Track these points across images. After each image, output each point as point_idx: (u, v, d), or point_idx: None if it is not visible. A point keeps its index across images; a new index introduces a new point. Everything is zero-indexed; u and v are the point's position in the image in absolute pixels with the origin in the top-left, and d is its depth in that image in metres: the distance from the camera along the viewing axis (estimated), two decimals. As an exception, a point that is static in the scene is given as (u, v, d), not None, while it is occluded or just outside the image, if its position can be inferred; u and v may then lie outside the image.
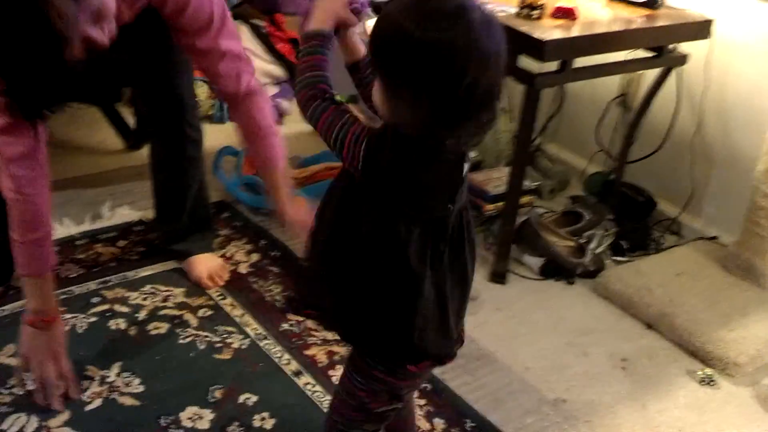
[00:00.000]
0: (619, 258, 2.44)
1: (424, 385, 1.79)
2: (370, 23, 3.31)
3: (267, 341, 1.93)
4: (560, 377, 1.95)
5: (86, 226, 2.31)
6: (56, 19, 1.28)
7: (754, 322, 2.12)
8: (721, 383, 1.98)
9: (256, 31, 3.27)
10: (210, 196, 2.21)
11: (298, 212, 1.76)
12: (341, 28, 1.26)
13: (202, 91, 3.02)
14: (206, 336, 1.92)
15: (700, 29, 2.29)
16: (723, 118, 2.45)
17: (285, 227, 1.79)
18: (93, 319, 1.94)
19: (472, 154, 2.69)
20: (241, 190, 2.50)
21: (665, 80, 2.40)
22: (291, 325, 1.99)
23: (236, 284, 2.13)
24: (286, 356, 1.88)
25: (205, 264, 2.12)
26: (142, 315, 1.97)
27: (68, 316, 1.92)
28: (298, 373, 1.84)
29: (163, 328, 1.94)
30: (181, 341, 1.90)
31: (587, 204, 2.61)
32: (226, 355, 1.87)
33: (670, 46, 2.31)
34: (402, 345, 1.22)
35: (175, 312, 2.00)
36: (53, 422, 1.63)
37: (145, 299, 2.03)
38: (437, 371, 1.79)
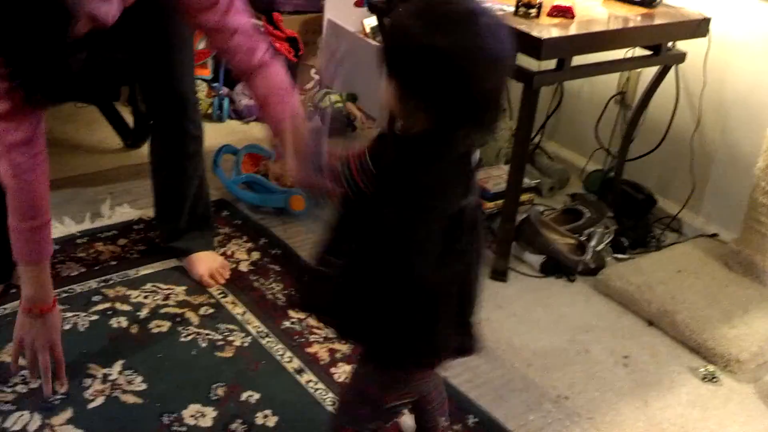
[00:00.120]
0: (619, 255, 2.44)
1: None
2: (368, 21, 3.30)
3: (268, 339, 1.93)
4: (562, 374, 1.95)
5: (86, 225, 2.30)
6: None
7: (756, 319, 2.12)
8: (724, 380, 1.99)
9: (254, 30, 3.27)
10: (210, 194, 2.21)
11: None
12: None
13: (201, 89, 3.02)
14: (208, 334, 1.92)
15: (698, 27, 2.29)
16: (722, 115, 2.46)
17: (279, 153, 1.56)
18: (94, 317, 1.94)
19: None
20: (240, 188, 2.50)
21: (663, 78, 2.41)
22: (292, 323, 1.99)
23: (237, 282, 2.13)
24: (288, 354, 1.88)
25: (206, 262, 2.12)
26: (143, 313, 1.97)
27: (69, 314, 1.92)
28: (300, 371, 1.83)
29: (165, 326, 1.93)
30: (182, 339, 1.90)
31: (587, 201, 2.61)
32: (227, 353, 1.87)
33: (668, 44, 2.32)
34: (426, 344, 1.23)
35: (177, 310, 1.99)
36: (56, 420, 1.63)
37: (146, 297, 2.02)
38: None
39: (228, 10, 1.68)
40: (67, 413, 1.65)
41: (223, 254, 2.23)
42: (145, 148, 2.65)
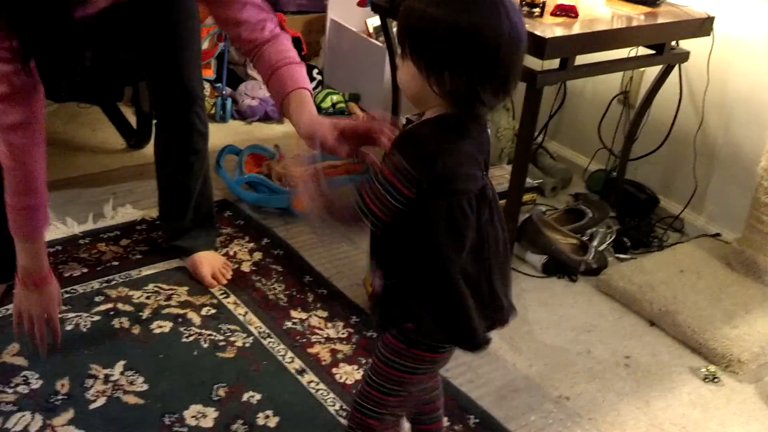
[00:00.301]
0: (621, 255, 2.44)
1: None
2: (371, 21, 3.30)
3: (270, 339, 1.93)
4: (563, 374, 1.95)
5: (89, 226, 2.31)
6: None
7: (758, 319, 2.12)
8: (725, 380, 1.98)
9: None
10: (213, 194, 2.22)
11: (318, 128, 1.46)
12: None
13: (204, 90, 3.02)
14: (210, 334, 1.92)
15: (701, 26, 2.29)
16: (725, 115, 2.45)
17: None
18: (96, 317, 1.94)
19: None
20: (243, 188, 2.51)
21: (667, 77, 2.40)
22: (294, 324, 1.99)
23: (239, 283, 2.13)
24: (290, 354, 1.88)
25: (209, 262, 2.12)
26: (145, 314, 1.97)
27: (72, 315, 1.93)
28: (301, 371, 1.84)
29: (167, 326, 1.94)
30: (184, 340, 1.90)
31: (590, 201, 2.61)
32: (229, 354, 1.87)
33: (672, 44, 2.31)
34: (458, 325, 1.25)
35: (179, 310, 2.00)
36: (57, 420, 1.63)
37: (148, 298, 2.03)
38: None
39: None
40: (69, 414, 1.65)
41: (226, 254, 2.24)
42: (147, 149, 2.67)
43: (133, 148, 2.79)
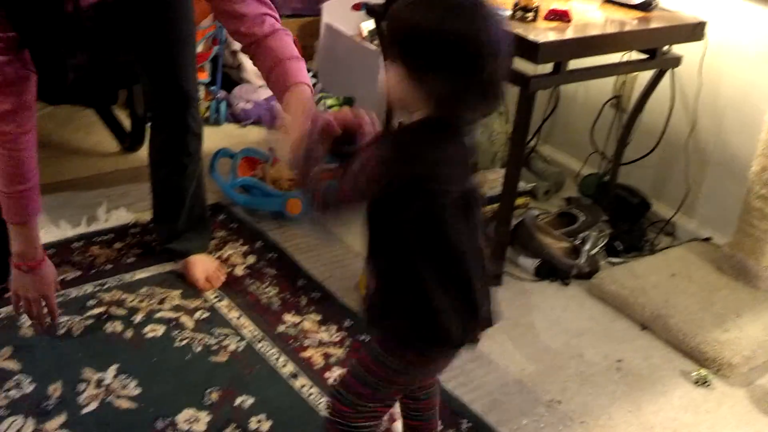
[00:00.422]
0: (613, 259, 2.45)
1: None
2: (366, 25, 3.29)
3: (263, 343, 1.93)
4: (555, 378, 1.96)
5: (82, 229, 2.31)
6: None
7: (749, 323, 2.13)
8: (716, 384, 1.99)
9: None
10: (207, 197, 2.22)
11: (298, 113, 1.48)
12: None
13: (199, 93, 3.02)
14: (202, 338, 1.93)
15: (694, 31, 2.30)
16: (717, 119, 2.47)
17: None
18: (89, 321, 1.94)
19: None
20: (237, 191, 2.51)
21: (659, 82, 2.41)
22: (287, 327, 2.00)
23: (232, 286, 2.13)
24: (283, 358, 1.89)
25: (202, 266, 2.12)
26: (138, 318, 1.97)
27: (65, 318, 1.93)
28: (294, 375, 1.84)
29: (160, 330, 1.94)
30: (177, 344, 1.90)
31: (582, 205, 2.62)
32: (222, 358, 1.87)
33: (664, 48, 2.32)
34: (430, 324, 1.26)
35: (172, 314, 2.00)
36: (50, 425, 1.63)
37: (141, 302, 2.03)
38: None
39: None
40: (61, 418, 1.65)
41: (219, 258, 2.24)
42: (141, 152, 2.67)
43: (127, 151, 2.79)
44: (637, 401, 1.91)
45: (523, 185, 2.54)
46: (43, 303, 1.82)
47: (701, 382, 1.98)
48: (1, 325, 1.87)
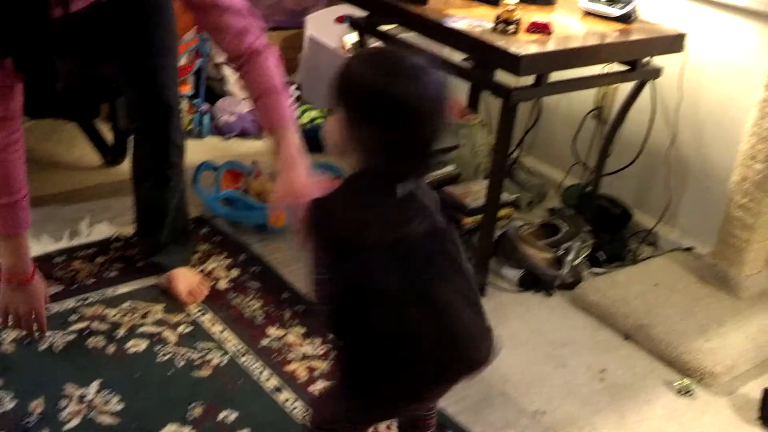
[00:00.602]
0: (596, 269, 2.46)
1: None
2: (349, 38, 3.31)
3: (247, 357, 1.93)
4: (539, 389, 1.96)
5: (64, 243, 2.29)
6: None
7: (731, 332, 2.15)
8: (699, 393, 2.00)
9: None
10: (189, 210, 2.21)
11: (292, 182, 1.63)
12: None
13: (181, 106, 3.02)
14: (185, 353, 1.92)
15: (674, 43, 2.32)
16: (697, 130, 2.49)
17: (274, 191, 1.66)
18: (71, 337, 1.93)
19: (450, 167, 2.74)
20: (220, 204, 2.50)
21: (640, 93, 2.43)
22: (271, 341, 1.99)
23: (216, 300, 2.13)
24: (266, 372, 1.88)
25: (185, 280, 2.12)
26: (120, 332, 1.96)
27: (47, 333, 1.91)
28: (278, 389, 1.83)
29: (142, 345, 1.93)
30: (160, 359, 1.89)
31: (565, 216, 2.63)
32: (205, 372, 1.86)
33: (644, 60, 2.34)
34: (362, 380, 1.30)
35: (154, 329, 1.99)
36: (31, 442, 1.62)
37: (123, 316, 2.02)
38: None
39: None
40: (43, 434, 1.64)
41: (202, 271, 2.23)
42: (123, 166, 2.67)
43: (110, 165, 2.78)
44: (621, 411, 1.92)
45: (506, 196, 2.55)
46: (33, 315, 1.81)
47: (684, 392, 1.99)
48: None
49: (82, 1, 1.59)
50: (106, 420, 1.69)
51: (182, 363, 1.88)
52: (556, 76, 2.20)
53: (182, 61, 3.03)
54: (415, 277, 1.24)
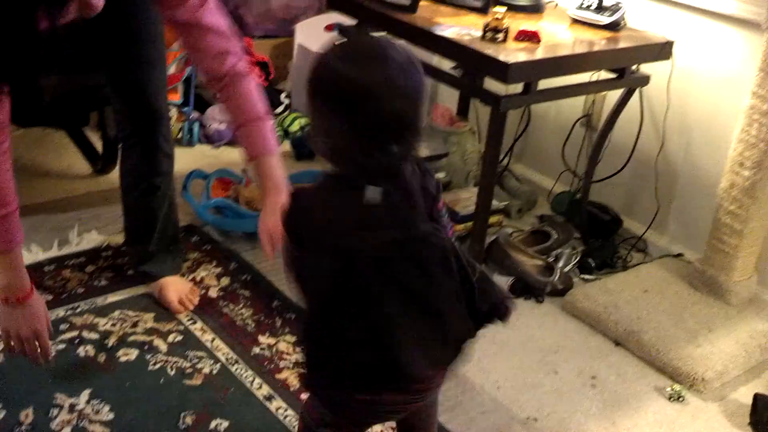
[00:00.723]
0: (586, 276, 2.47)
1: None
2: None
3: (238, 365, 1.92)
4: (531, 396, 1.96)
5: (54, 252, 2.28)
6: None
7: (720, 338, 2.15)
8: (690, 399, 2.01)
9: (224, 54, 3.28)
10: (179, 219, 2.21)
11: (272, 222, 1.60)
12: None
13: (171, 114, 3.02)
14: (176, 361, 1.91)
15: (661, 51, 2.34)
16: (685, 137, 2.50)
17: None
18: (61, 346, 1.92)
19: (441, 175, 2.75)
20: (210, 213, 2.50)
21: (628, 101, 2.44)
22: (262, 349, 1.99)
23: (206, 308, 2.12)
24: (258, 380, 1.88)
25: (175, 288, 2.11)
26: (111, 341, 1.95)
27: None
28: (269, 398, 1.83)
29: (133, 354, 1.92)
30: (151, 367, 1.88)
31: (555, 223, 2.64)
32: (196, 381, 1.86)
33: (632, 68, 2.36)
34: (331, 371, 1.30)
35: (145, 338, 1.98)
36: (21, 452, 1.61)
37: (114, 325, 2.01)
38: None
39: (201, 6, 1.68)
40: (33, 445, 1.63)
41: (193, 280, 2.23)
42: (113, 174, 2.66)
43: (99, 173, 2.78)
44: (612, 417, 1.93)
45: (496, 204, 2.56)
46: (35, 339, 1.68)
47: (675, 398, 2.00)
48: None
49: (70, 15, 1.58)
50: (97, 429, 1.69)
51: (173, 372, 1.88)
52: (545, 83, 2.21)
53: (171, 69, 3.03)
54: (359, 286, 1.22)
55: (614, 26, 2.34)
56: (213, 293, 2.19)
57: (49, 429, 1.67)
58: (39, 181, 2.67)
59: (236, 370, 1.91)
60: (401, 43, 1.22)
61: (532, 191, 2.87)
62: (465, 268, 1.30)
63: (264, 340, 2.02)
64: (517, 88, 2.17)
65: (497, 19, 2.13)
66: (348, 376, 1.27)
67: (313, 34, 3.30)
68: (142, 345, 1.95)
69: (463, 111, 2.93)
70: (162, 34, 1.98)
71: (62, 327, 1.98)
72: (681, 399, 2.00)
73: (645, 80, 2.40)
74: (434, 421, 1.51)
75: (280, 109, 3.35)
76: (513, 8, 2.38)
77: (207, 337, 2.01)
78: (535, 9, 2.45)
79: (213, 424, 1.73)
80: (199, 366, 1.90)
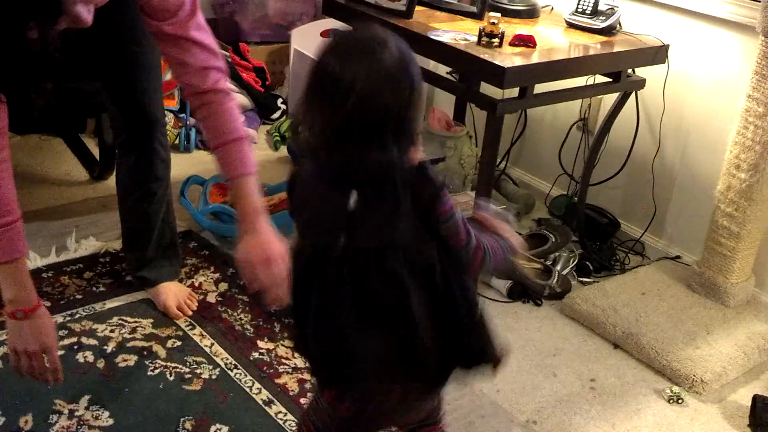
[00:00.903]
0: (584, 279, 2.47)
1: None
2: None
3: (237, 371, 1.92)
4: (530, 399, 1.96)
5: (52, 259, 2.28)
6: None
7: (719, 340, 2.16)
8: (689, 401, 2.01)
9: (221, 60, 3.28)
10: (176, 224, 2.21)
11: (252, 249, 1.57)
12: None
13: (167, 120, 3.02)
14: (175, 367, 1.91)
15: (656, 54, 2.34)
16: (682, 139, 2.51)
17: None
18: (60, 352, 1.89)
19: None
20: (207, 218, 2.50)
21: (624, 104, 2.45)
22: (261, 354, 1.98)
23: (205, 313, 2.12)
24: (257, 385, 1.88)
25: (174, 293, 2.11)
26: (110, 347, 1.95)
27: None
28: (269, 403, 1.83)
29: (132, 360, 1.92)
30: (150, 373, 1.88)
31: (552, 226, 2.64)
32: (196, 386, 1.86)
33: (628, 71, 2.36)
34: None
35: (144, 343, 1.98)
36: (20, 459, 1.61)
37: (112, 331, 2.01)
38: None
39: (189, 21, 1.67)
40: (33, 451, 1.63)
41: (191, 285, 2.22)
42: (110, 181, 2.66)
43: (96, 179, 2.78)
44: (612, 420, 1.93)
45: (493, 207, 2.55)
46: (45, 358, 1.60)
47: (674, 400, 2.00)
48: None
49: (62, 25, 1.58)
50: (97, 435, 1.69)
51: (173, 377, 1.88)
52: (541, 87, 2.22)
53: (168, 76, 3.03)
54: (324, 285, 1.23)
55: (609, 30, 2.35)
56: (211, 298, 2.19)
57: (48, 435, 1.67)
58: (36, 188, 2.67)
59: (235, 375, 1.90)
60: (400, 40, 1.18)
61: (530, 195, 2.87)
62: (451, 286, 1.25)
63: (263, 345, 2.02)
64: (513, 92, 2.17)
65: (493, 24, 2.13)
66: (312, 372, 1.33)
67: (309, 40, 3.31)
68: (141, 351, 1.95)
69: (459, 115, 2.93)
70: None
71: (61, 333, 1.97)
72: (680, 401, 2.00)
73: (641, 84, 2.41)
74: None
75: (276, 114, 3.36)
76: (508, 13, 2.39)
77: (206, 343, 2.01)
78: (531, 14, 2.46)
79: (212, 430, 1.73)
80: (198, 371, 1.90)
